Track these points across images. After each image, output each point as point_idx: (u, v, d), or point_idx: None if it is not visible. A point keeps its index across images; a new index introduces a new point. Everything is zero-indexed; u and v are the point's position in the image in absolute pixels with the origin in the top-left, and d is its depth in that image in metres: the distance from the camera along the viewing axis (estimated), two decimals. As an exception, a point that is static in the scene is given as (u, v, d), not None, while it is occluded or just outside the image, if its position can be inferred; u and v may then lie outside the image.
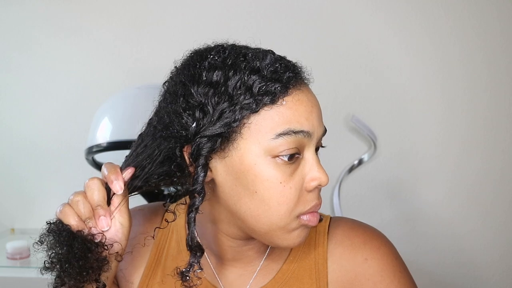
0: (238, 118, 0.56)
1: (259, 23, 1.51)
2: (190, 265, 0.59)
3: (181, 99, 0.58)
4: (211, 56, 0.59)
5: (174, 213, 0.61)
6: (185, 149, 0.59)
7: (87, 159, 1.25)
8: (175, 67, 0.63)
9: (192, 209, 0.58)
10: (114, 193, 0.58)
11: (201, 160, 0.57)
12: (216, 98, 0.56)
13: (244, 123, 0.56)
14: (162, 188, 0.76)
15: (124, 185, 0.58)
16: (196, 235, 0.59)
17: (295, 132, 0.56)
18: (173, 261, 0.71)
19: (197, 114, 0.57)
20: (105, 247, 0.57)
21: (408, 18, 1.46)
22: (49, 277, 0.57)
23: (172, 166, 0.59)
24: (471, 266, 1.48)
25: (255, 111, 0.56)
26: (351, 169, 1.48)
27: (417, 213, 1.50)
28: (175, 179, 0.60)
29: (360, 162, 1.48)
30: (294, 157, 0.57)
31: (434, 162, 1.48)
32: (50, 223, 0.57)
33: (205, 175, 0.57)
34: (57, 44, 1.60)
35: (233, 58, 0.58)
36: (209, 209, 0.64)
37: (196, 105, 0.57)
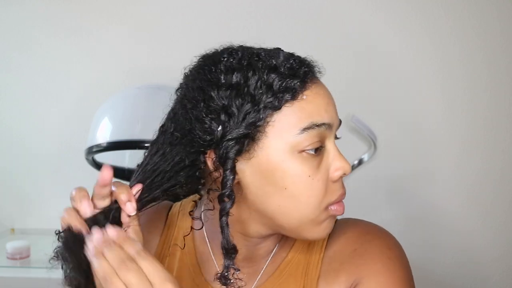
0: (262, 117, 0.56)
1: (259, 23, 1.51)
2: (227, 267, 0.59)
3: (202, 104, 0.58)
4: (225, 59, 0.59)
5: (200, 219, 0.64)
6: (207, 154, 0.59)
7: (87, 159, 1.25)
8: (185, 73, 0.63)
9: (223, 213, 0.58)
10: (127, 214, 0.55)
11: (229, 163, 0.57)
12: (240, 99, 0.56)
13: (268, 122, 0.57)
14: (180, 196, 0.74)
15: (136, 203, 0.56)
16: (230, 236, 0.59)
17: (318, 125, 0.57)
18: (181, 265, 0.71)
19: (222, 117, 0.56)
20: None
21: (408, 18, 1.46)
22: (56, 277, 0.57)
23: (197, 173, 0.59)
24: (471, 266, 1.48)
25: (277, 108, 0.56)
26: (351, 169, 1.48)
27: (417, 213, 1.50)
28: (193, 186, 0.60)
29: (360, 162, 1.48)
30: (319, 149, 0.58)
31: (434, 162, 1.48)
32: (59, 232, 0.54)
33: (233, 178, 0.57)
34: (57, 44, 1.59)
35: (248, 58, 0.58)
36: (232, 211, 0.63)
37: (220, 108, 0.57)
